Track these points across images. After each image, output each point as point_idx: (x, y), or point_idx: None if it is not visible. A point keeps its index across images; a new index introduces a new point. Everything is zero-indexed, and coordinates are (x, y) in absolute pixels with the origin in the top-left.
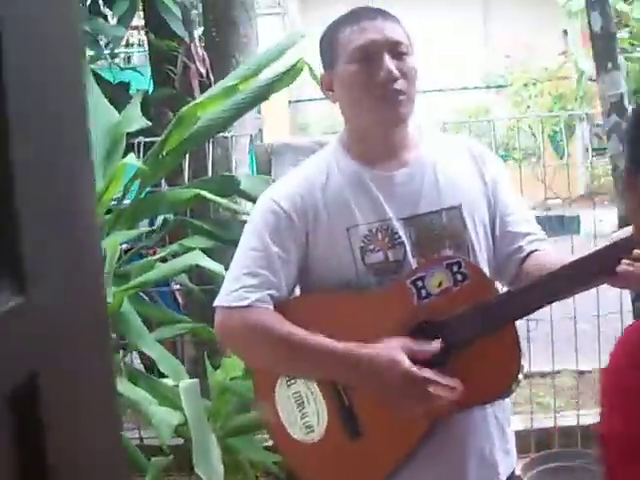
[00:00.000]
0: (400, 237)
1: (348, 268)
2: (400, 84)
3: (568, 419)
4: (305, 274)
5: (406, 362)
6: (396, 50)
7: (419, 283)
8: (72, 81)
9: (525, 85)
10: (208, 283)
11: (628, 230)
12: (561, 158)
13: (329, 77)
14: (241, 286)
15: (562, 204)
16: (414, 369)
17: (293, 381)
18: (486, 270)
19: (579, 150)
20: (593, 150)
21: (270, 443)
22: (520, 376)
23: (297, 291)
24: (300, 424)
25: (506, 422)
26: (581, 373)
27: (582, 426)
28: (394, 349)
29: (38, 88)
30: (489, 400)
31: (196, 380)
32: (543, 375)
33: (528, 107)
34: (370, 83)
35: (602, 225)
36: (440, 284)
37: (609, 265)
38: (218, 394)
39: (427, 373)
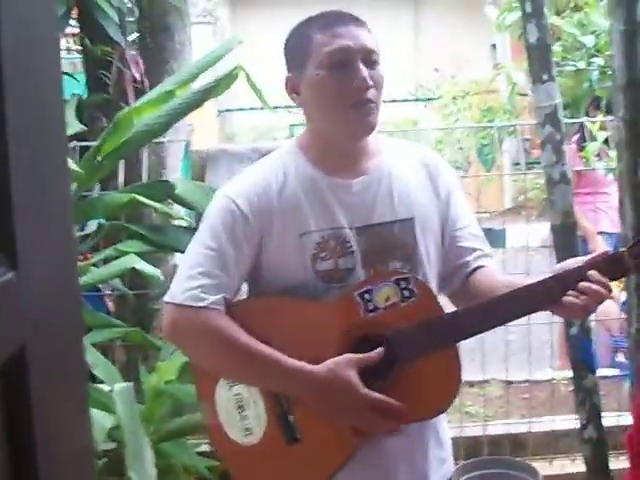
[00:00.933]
0: (351, 246)
1: (298, 273)
2: (371, 93)
3: (497, 428)
4: (255, 275)
5: (361, 386)
6: (369, 58)
7: (367, 296)
8: (47, 44)
9: (454, 98)
10: (139, 288)
11: (574, 261)
12: (489, 171)
13: (296, 80)
14: (197, 285)
15: (490, 217)
16: (371, 394)
17: (234, 383)
18: (434, 284)
19: (507, 164)
20: (521, 164)
21: (203, 448)
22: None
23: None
24: (239, 426)
25: (442, 431)
26: (509, 383)
27: (511, 434)
28: (347, 369)
29: (12, 55)
30: (428, 417)
31: (131, 384)
32: (472, 384)
33: (456, 120)
34: (343, 90)
35: (529, 239)
36: (387, 299)
37: (555, 295)
38: (152, 398)
39: (381, 397)
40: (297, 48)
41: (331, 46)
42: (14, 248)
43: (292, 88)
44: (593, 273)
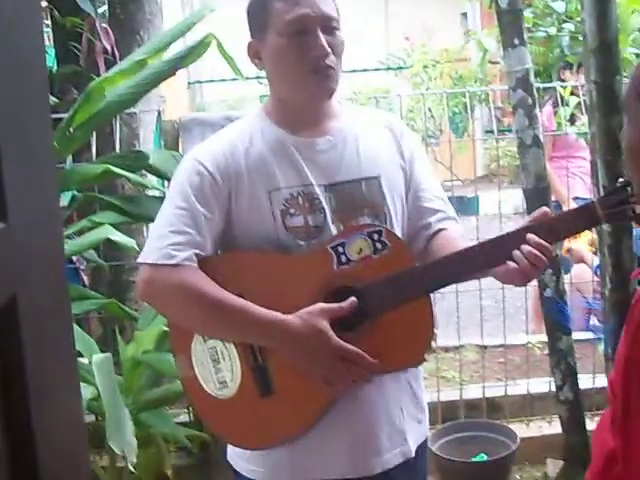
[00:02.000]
0: (320, 203)
1: (269, 230)
2: (330, 59)
3: (473, 391)
4: (228, 235)
5: (333, 335)
6: (328, 25)
7: (340, 249)
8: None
9: (425, 67)
10: (114, 260)
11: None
12: (460, 138)
13: (257, 46)
14: (168, 244)
15: (462, 185)
16: (343, 344)
17: (209, 336)
18: None
19: (478, 131)
20: (491, 132)
21: (183, 418)
22: (432, 345)
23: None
24: (214, 379)
25: (419, 391)
26: (484, 347)
27: (487, 398)
28: (319, 319)
29: None
30: (402, 368)
31: (109, 354)
32: (447, 350)
33: (427, 88)
34: (302, 58)
35: (502, 206)
36: (360, 251)
37: (503, 256)
38: (130, 368)
39: (353, 348)
40: (258, 15)
41: (290, 14)
42: (4, 199)
43: (254, 53)
44: (531, 237)
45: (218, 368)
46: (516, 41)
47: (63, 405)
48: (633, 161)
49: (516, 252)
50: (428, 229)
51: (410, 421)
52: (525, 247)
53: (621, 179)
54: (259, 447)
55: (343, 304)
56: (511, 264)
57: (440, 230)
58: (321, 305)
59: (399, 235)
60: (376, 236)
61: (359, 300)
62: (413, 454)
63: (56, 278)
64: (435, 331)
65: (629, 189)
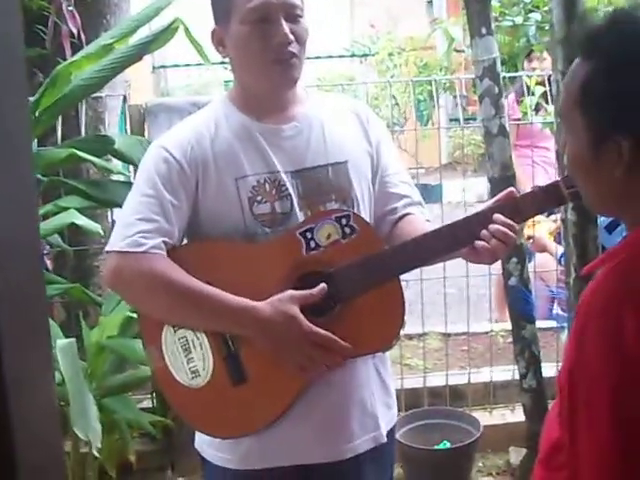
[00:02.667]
0: (287, 189)
1: (236, 218)
2: (293, 47)
3: (436, 379)
4: (194, 224)
5: (304, 320)
6: (291, 12)
7: (308, 234)
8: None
9: (390, 54)
10: (78, 245)
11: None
12: (425, 127)
13: (221, 33)
14: (136, 231)
15: (426, 173)
16: (314, 329)
17: (180, 326)
18: None
19: (443, 120)
20: (455, 120)
21: (146, 404)
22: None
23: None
24: (186, 369)
25: (388, 377)
26: (448, 335)
27: (451, 385)
28: (290, 305)
29: None
30: (374, 351)
31: (73, 339)
32: (411, 337)
33: (392, 76)
34: (265, 46)
35: (466, 194)
36: (329, 236)
37: (470, 236)
38: (94, 354)
39: (324, 332)
40: (221, 2)
41: (253, 1)
42: None
43: (218, 41)
44: (498, 216)
45: (190, 358)
46: (484, 30)
47: (38, 390)
48: (580, 170)
49: (484, 231)
50: (394, 214)
51: (381, 406)
52: (492, 226)
53: None
54: (232, 436)
55: (313, 291)
56: (479, 243)
57: (406, 215)
58: (291, 292)
59: (367, 218)
60: (344, 221)
61: (330, 285)
62: (385, 439)
63: (32, 262)
64: (405, 312)
65: None
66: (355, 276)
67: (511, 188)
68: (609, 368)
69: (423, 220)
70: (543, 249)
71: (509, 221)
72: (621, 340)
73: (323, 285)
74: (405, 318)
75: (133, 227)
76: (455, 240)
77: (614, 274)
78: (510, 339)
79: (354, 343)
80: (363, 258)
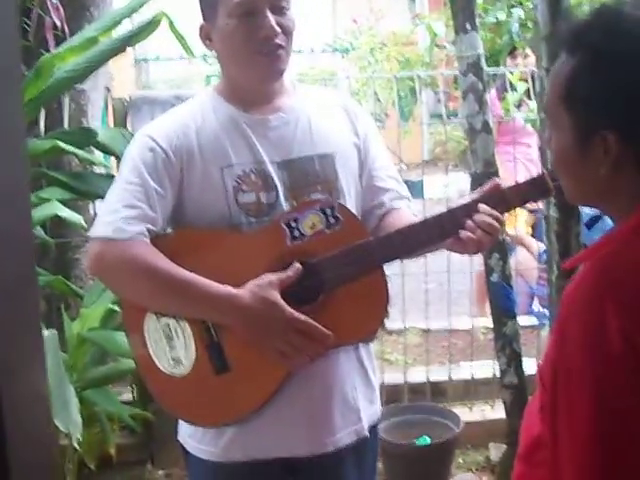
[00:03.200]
0: (273, 180)
1: (221, 207)
2: (280, 39)
3: (417, 375)
4: (179, 213)
5: (286, 306)
6: (277, 5)
7: (293, 224)
8: None
9: (372, 50)
10: (59, 237)
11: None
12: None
13: (208, 28)
14: (120, 217)
15: (407, 169)
16: (296, 314)
17: (162, 314)
18: None
19: (424, 115)
20: (436, 116)
21: (126, 397)
22: (385, 322)
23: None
24: (168, 357)
25: (371, 371)
26: (428, 331)
27: (431, 381)
28: (269, 290)
29: None
30: (357, 341)
31: (54, 331)
32: (391, 332)
33: (374, 71)
34: (251, 38)
35: (447, 190)
36: (313, 226)
37: (456, 226)
38: (75, 346)
39: (305, 318)
40: None
41: None
42: None
43: (205, 36)
44: (483, 207)
45: (172, 346)
46: (468, 26)
47: (30, 379)
48: (565, 166)
49: (469, 222)
50: (381, 207)
51: (363, 400)
52: (478, 216)
53: None
54: (214, 424)
55: (288, 271)
56: (464, 233)
57: (393, 209)
58: (269, 276)
59: (353, 210)
60: (329, 211)
61: (313, 275)
62: (367, 433)
63: (24, 252)
64: (389, 301)
65: None
66: (339, 266)
67: (496, 179)
68: (592, 363)
69: (410, 214)
70: (520, 242)
71: (494, 212)
72: (604, 335)
73: (297, 265)
74: (389, 309)
75: (117, 213)
76: (441, 231)
77: (597, 268)
78: (491, 335)
79: (337, 332)
80: (347, 248)
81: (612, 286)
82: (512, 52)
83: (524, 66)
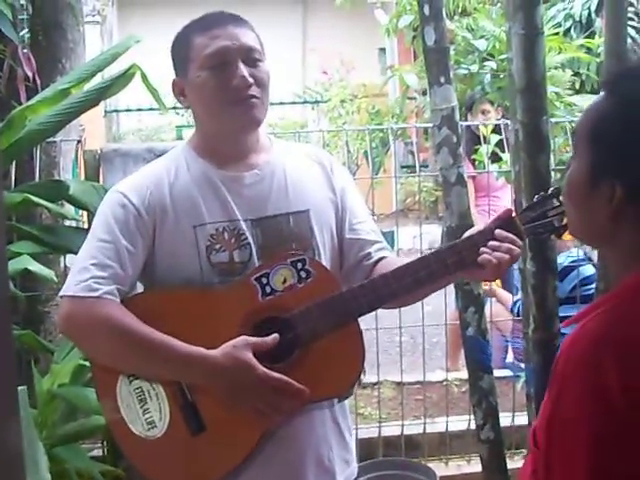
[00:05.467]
0: (246, 238)
1: (193, 266)
2: (253, 90)
3: (391, 429)
4: (151, 270)
5: (258, 365)
6: (249, 56)
7: (264, 280)
8: None
9: (342, 101)
10: (29, 290)
11: (476, 229)
12: (377, 174)
13: (181, 83)
14: (90, 277)
15: (377, 220)
16: (268, 373)
17: (135, 377)
18: None
19: (393, 166)
20: (406, 167)
21: (96, 452)
22: (362, 377)
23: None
24: (142, 420)
25: (347, 431)
26: (401, 384)
27: (406, 435)
28: (243, 350)
29: None
30: (332, 396)
31: (24, 387)
32: (364, 386)
33: (344, 123)
34: (223, 89)
35: (418, 241)
36: (285, 281)
37: (467, 257)
38: (45, 402)
39: (279, 376)
40: (180, 52)
41: (210, 48)
42: None
43: (179, 91)
44: (500, 232)
45: (145, 409)
46: (442, 79)
47: (4, 437)
48: (574, 197)
49: (492, 244)
50: (369, 259)
51: (339, 462)
52: (494, 243)
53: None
54: None
55: (266, 339)
56: (486, 257)
57: (381, 258)
58: (245, 337)
59: (328, 266)
60: (300, 265)
61: (287, 330)
62: None
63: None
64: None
65: (554, 200)
66: (312, 319)
67: (509, 207)
68: (589, 417)
69: (399, 261)
70: (493, 294)
71: (512, 236)
72: (603, 389)
73: (275, 335)
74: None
75: (87, 272)
76: (442, 265)
77: (597, 323)
78: (464, 388)
79: (313, 387)
80: (320, 301)
81: (612, 341)
82: (470, 108)
83: (497, 117)
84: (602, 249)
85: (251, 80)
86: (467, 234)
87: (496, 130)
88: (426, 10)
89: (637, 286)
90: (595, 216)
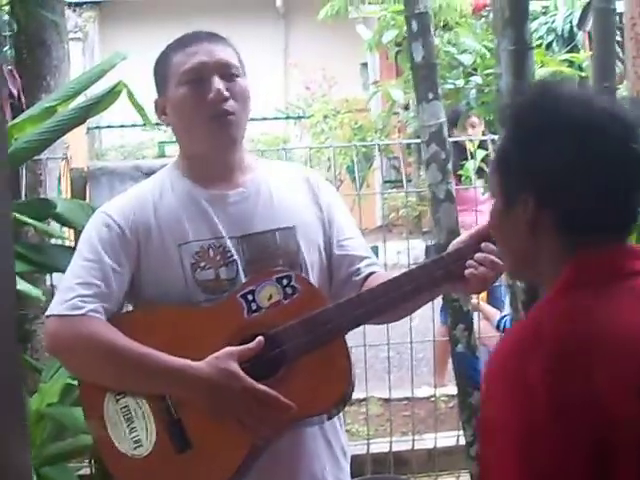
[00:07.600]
0: (232, 255)
1: (178, 284)
2: (230, 104)
3: (379, 446)
4: (136, 290)
5: (244, 375)
6: (226, 72)
7: (249, 297)
8: None
9: (325, 117)
10: (18, 309)
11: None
12: (360, 189)
13: (162, 102)
14: (75, 295)
15: (362, 235)
16: (255, 384)
17: (121, 395)
18: None
19: (377, 182)
20: (389, 182)
21: (84, 471)
22: (351, 391)
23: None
24: (128, 439)
25: (340, 450)
26: (389, 401)
27: (394, 452)
28: (228, 362)
29: None
30: (319, 412)
31: None
32: (351, 403)
33: (327, 138)
34: (200, 103)
35: (402, 256)
36: (270, 297)
37: (454, 271)
38: (33, 422)
39: (265, 388)
40: (160, 72)
41: (187, 64)
42: None
43: (161, 110)
44: (486, 245)
45: (132, 427)
46: (430, 95)
47: (13, 454)
48: (498, 230)
49: (470, 261)
50: (359, 274)
51: (332, 478)
52: (480, 255)
53: None
54: None
55: (250, 345)
56: (468, 272)
57: (371, 273)
58: (229, 348)
59: (316, 282)
60: (285, 281)
61: (273, 347)
62: None
63: (6, 323)
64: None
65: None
66: (298, 335)
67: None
68: (515, 416)
69: (389, 275)
70: (479, 310)
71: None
72: (525, 386)
73: (260, 338)
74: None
75: (72, 291)
76: (429, 279)
77: (522, 323)
78: (452, 404)
79: (299, 405)
80: (306, 317)
81: (537, 338)
82: (455, 123)
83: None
84: (534, 276)
85: (227, 94)
86: (453, 246)
87: (482, 145)
88: (414, 26)
89: (563, 285)
90: (518, 238)
